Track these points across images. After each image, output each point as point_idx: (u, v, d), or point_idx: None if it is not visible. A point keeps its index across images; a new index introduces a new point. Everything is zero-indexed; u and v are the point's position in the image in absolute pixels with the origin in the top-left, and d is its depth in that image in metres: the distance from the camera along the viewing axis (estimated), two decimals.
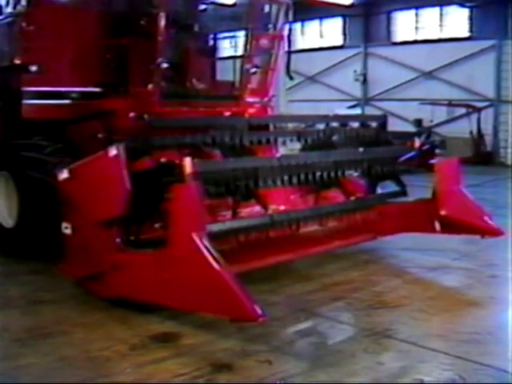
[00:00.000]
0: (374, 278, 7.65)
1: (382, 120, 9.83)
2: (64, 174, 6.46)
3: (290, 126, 10.02)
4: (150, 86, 8.65)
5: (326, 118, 9.71)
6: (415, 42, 27.20)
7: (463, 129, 24.15)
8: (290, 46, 10.76)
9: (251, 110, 9.78)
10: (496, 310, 6.55)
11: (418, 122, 24.83)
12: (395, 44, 27.85)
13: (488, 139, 24.58)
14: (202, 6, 10.98)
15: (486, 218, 7.80)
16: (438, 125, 25.38)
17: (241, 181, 6.67)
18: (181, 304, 5.64)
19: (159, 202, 5.84)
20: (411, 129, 23.83)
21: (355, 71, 28.94)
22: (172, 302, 5.68)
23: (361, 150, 8.07)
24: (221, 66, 11.51)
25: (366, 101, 28.77)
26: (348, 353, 5.30)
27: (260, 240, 7.12)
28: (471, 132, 24.17)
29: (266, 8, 10.07)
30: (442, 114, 25.17)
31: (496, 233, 7.74)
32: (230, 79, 10.47)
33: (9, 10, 9.33)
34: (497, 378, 4.44)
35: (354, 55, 29.05)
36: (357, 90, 29.02)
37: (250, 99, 10.01)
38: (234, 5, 12.73)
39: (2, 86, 9.15)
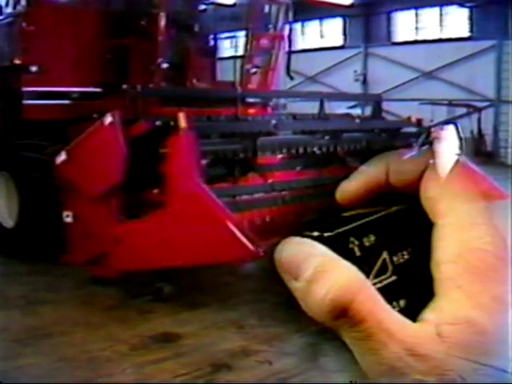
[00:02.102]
0: None
1: (377, 99, 9.84)
2: (61, 157, 6.51)
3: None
4: (150, 86, 8.64)
5: (319, 95, 9.74)
6: (415, 42, 27.18)
7: (463, 129, 23.70)
8: (290, 46, 10.76)
9: (251, 110, 9.79)
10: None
11: (418, 123, 24.81)
12: (395, 44, 27.83)
13: (488, 139, 24.57)
14: (202, 7, 10.98)
15: (488, 183, 7.76)
16: (438, 125, 25.35)
17: (238, 153, 6.63)
18: (186, 259, 5.66)
19: (156, 168, 5.88)
20: (411, 129, 23.80)
21: (355, 71, 28.92)
22: (176, 260, 5.71)
23: (357, 121, 8.08)
24: (221, 66, 11.50)
25: (366, 101, 28.73)
26: (347, 353, 5.30)
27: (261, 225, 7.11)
28: (472, 132, 24.16)
29: (266, 8, 10.08)
30: (442, 113, 25.12)
31: (500, 197, 7.67)
32: (231, 79, 10.48)
33: (9, 10, 9.33)
34: (497, 377, 4.62)
35: (354, 55, 29.03)
36: (357, 90, 28.96)
37: (250, 99, 10.01)
38: (234, 5, 12.73)
39: (2, 86, 9.15)
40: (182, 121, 5.68)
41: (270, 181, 7.17)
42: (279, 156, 7.13)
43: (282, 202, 7.08)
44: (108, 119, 6.02)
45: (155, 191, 6.16)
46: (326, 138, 7.69)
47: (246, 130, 6.81)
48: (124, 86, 7.26)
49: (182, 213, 5.61)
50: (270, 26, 10.15)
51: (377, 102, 9.65)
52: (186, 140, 5.65)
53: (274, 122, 7.45)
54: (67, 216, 6.60)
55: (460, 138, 0.61)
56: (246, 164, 6.72)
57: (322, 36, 30.83)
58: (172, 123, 5.83)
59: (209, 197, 5.51)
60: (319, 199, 7.40)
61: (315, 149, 7.37)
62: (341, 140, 7.73)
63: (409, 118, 8.58)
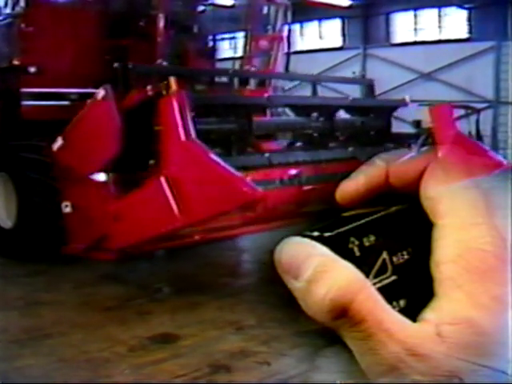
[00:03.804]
0: None
1: (369, 83, 9.93)
2: (58, 142, 6.57)
3: None
4: (149, 87, 8.65)
5: (312, 77, 9.84)
6: (414, 43, 27.19)
7: (462, 130, 23.96)
8: (289, 47, 10.77)
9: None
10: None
11: (417, 123, 24.78)
12: (394, 45, 27.83)
13: (487, 140, 24.56)
14: (201, 8, 10.99)
15: (488, 153, 7.81)
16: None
17: (234, 132, 6.61)
18: (186, 218, 5.67)
19: (150, 141, 5.93)
20: (410, 130, 23.80)
21: (354, 72, 28.90)
22: (175, 222, 5.73)
23: (350, 98, 8.16)
24: (220, 67, 11.50)
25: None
26: (346, 353, 5.29)
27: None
28: (470, 133, 24.06)
29: (265, 9, 10.09)
30: None
31: (500, 165, 7.68)
32: None
33: (7, 11, 9.32)
34: (496, 378, 4.60)
35: (353, 56, 29.04)
36: (356, 91, 28.96)
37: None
38: (233, 6, 12.75)
39: (1, 87, 9.14)
40: (173, 84, 5.75)
41: (267, 154, 7.16)
42: (278, 144, 7.16)
43: (280, 184, 7.07)
44: (101, 93, 6.09)
45: (151, 162, 6.15)
46: (321, 119, 7.71)
47: (240, 102, 6.84)
48: (115, 64, 7.30)
49: (178, 171, 5.65)
50: (269, 27, 10.16)
51: (369, 85, 9.75)
52: (178, 99, 5.69)
53: (266, 95, 7.50)
54: (66, 206, 6.67)
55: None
56: (243, 143, 6.72)
57: (320, 37, 30.83)
58: (164, 92, 5.88)
59: (203, 150, 5.53)
60: (321, 182, 7.43)
61: (311, 130, 7.40)
62: (336, 122, 7.76)
63: (402, 99, 8.66)
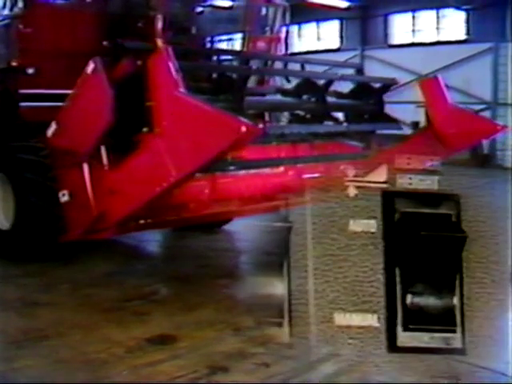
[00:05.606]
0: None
1: (359, 67, 10.04)
2: (52, 127, 6.59)
3: None
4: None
5: (302, 59, 9.91)
6: (412, 44, 27.23)
7: None
8: (286, 48, 10.79)
9: None
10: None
11: (415, 125, 24.74)
12: (392, 47, 27.86)
13: (485, 142, 24.57)
14: (199, 9, 11.00)
15: (484, 121, 7.81)
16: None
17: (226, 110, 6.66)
18: (182, 169, 5.65)
19: (143, 113, 5.92)
20: (408, 131, 23.76)
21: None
22: (169, 177, 5.69)
23: (339, 74, 8.26)
24: None
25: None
26: (345, 355, 5.29)
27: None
28: None
29: (263, 11, 10.11)
30: None
31: (498, 129, 7.68)
32: None
33: (5, 12, 9.31)
34: (495, 380, 4.59)
35: (351, 58, 29.05)
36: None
37: None
38: (231, 7, 12.78)
39: None
40: (160, 43, 5.78)
41: (261, 124, 7.16)
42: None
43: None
44: (90, 66, 6.10)
45: (145, 130, 6.10)
46: (313, 99, 7.76)
47: (228, 71, 6.86)
48: (105, 42, 7.28)
49: (169, 124, 5.64)
50: (267, 28, 10.18)
51: (358, 69, 9.84)
52: (164, 53, 5.69)
53: (254, 67, 7.53)
54: (63, 195, 6.66)
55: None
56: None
57: (318, 38, 30.87)
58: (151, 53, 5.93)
59: (191, 98, 5.53)
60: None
61: (304, 112, 7.45)
62: (328, 103, 7.80)
63: (393, 80, 8.70)
